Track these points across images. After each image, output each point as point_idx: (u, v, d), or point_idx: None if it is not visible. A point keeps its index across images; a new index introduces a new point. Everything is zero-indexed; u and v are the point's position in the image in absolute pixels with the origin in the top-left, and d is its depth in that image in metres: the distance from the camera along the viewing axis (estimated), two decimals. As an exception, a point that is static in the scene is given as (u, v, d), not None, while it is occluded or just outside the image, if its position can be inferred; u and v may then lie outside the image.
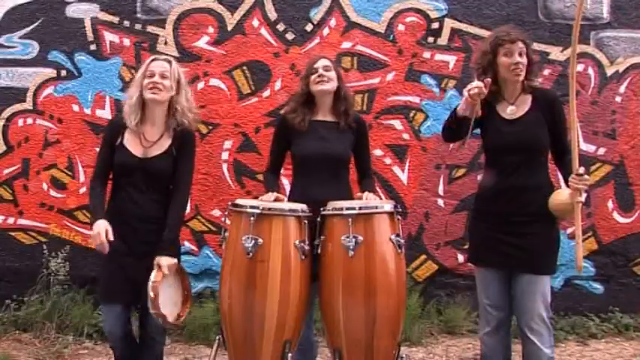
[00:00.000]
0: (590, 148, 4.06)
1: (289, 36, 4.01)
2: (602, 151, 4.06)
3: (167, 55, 3.81)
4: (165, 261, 2.36)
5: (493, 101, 2.51)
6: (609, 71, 4.06)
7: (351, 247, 2.28)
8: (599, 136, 4.06)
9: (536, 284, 2.40)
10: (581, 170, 2.28)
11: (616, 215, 4.07)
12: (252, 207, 2.32)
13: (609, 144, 4.06)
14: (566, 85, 3.90)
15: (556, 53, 4.03)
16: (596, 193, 4.06)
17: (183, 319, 2.51)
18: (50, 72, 3.99)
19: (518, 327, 2.51)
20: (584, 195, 2.31)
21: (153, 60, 2.50)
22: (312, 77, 2.60)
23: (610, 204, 4.07)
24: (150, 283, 2.30)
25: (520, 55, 2.41)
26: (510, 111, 2.46)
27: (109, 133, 2.52)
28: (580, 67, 4.02)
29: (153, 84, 2.42)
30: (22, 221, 3.99)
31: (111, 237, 2.32)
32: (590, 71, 4.05)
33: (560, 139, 2.46)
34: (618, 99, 4.07)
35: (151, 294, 2.29)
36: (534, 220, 2.39)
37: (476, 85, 2.32)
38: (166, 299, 2.37)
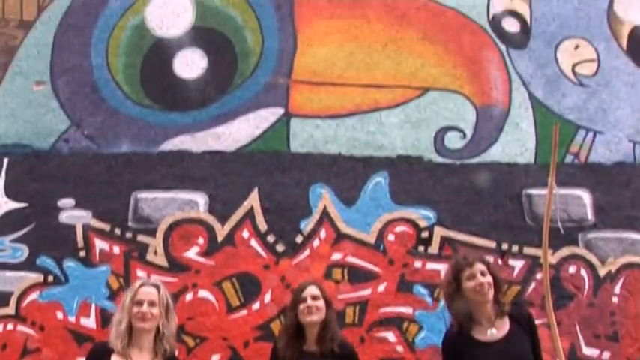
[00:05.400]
0: (593, 352, 3.90)
1: (279, 247, 4.01)
2: (606, 355, 3.90)
3: (156, 265, 3.98)
4: None
5: (466, 329, 2.48)
6: (602, 272, 4.03)
7: None
8: (601, 340, 3.92)
9: None
10: None
11: None
12: None
13: (613, 347, 3.90)
14: (560, 287, 3.99)
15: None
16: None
17: None
18: (36, 277, 3.93)
19: None
20: None
21: (141, 285, 2.53)
22: (301, 307, 2.63)
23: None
24: None
25: (482, 274, 2.45)
26: (490, 334, 2.43)
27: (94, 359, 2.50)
28: (572, 269, 4.02)
29: (142, 314, 2.44)
30: None
31: None
32: (583, 272, 4.03)
33: (539, 355, 2.48)
34: (615, 299, 3.99)
35: None
36: None
37: None
38: None
